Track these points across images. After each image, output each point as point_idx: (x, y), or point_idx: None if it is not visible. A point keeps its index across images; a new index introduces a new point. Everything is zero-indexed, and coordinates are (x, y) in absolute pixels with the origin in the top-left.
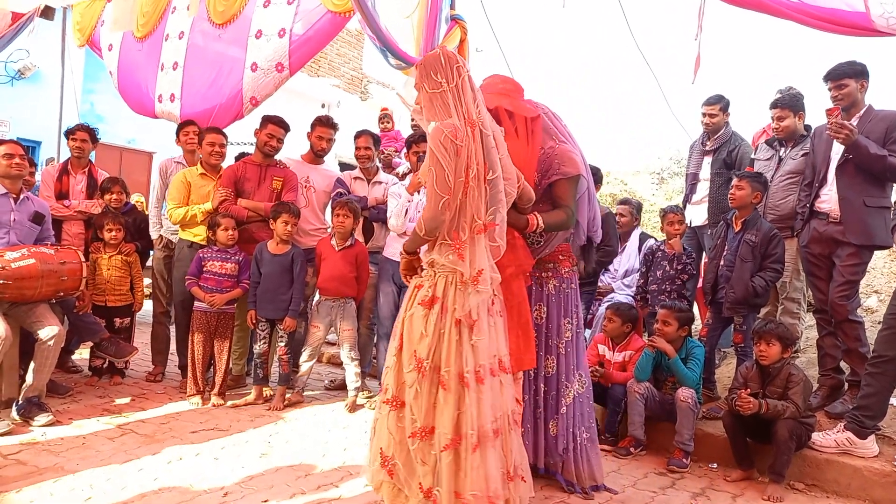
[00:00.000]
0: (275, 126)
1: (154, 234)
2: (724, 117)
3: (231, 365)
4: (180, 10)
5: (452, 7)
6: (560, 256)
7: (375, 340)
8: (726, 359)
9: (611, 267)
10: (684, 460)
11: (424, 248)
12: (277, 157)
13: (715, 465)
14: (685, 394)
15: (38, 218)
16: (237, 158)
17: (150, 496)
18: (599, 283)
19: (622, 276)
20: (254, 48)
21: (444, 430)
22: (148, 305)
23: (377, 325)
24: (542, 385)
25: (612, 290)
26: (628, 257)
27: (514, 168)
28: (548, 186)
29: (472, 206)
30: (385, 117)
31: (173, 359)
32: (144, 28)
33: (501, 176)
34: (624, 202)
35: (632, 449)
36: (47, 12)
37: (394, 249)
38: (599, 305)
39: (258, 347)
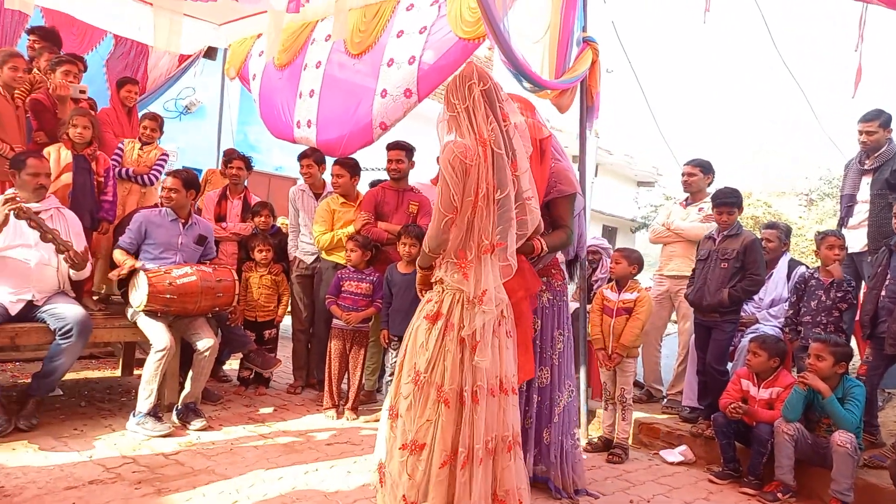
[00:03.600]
0: (393, 150)
1: (291, 256)
2: (885, 134)
3: (364, 381)
4: (319, 42)
5: (584, 29)
6: (553, 270)
7: None
8: (891, 401)
9: (755, 296)
10: None
11: None
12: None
13: None
14: (843, 438)
15: (201, 240)
16: (371, 185)
17: None
18: (742, 314)
19: (768, 306)
20: (385, 75)
21: (444, 447)
22: (288, 321)
23: None
24: (535, 395)
25: (757, 321)
26: (775, 285)
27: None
28: (545, 205)
29: (480, 225)
30: None
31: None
32: (285, 56)
33: (511, 195)
34: (771, 226)
35: (779, 494)
36: (210, 52)
37: None
38: (742, 337)
39: (390, 365)
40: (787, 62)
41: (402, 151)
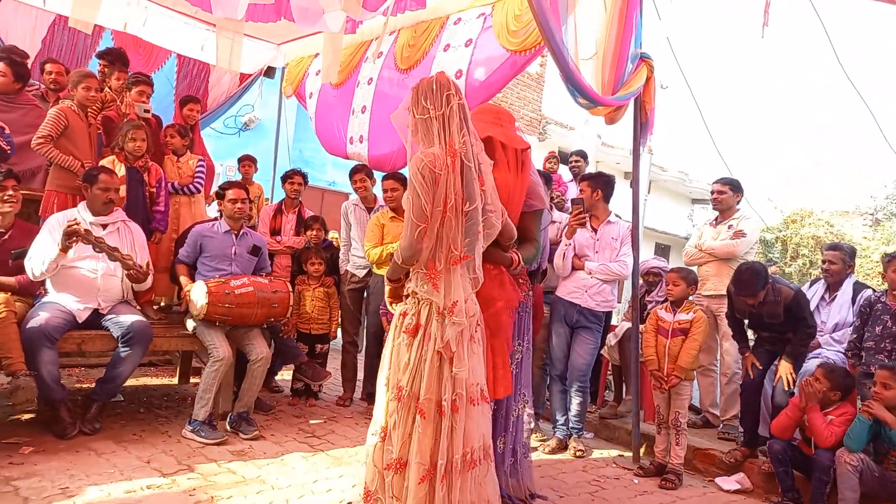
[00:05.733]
0: None
1: (342, 269)
2: None
3: None
4: (371, 59)
5: (640, 45)
6: (519, 281)
7: (548, 382)
8: None
9: (817, 319)
10: None
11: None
12: None
13: None
14: None
15: (255, 250)
16: None
17: None
18: None
19: (831, 330)
20: None
21: (422, 461)
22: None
23: (549, 366)
24: (492, 404)
25: (819, 346)
26: (839, 309)
27: (500, 203)
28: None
29: (448, 236)
30: (552, 159)
31: (360, 385)
32: (340, 76)
33: (479, 208)
34: (834, 247)
35: None
36: (269, 71)
37: (566, 289)
38: (804, 362)
39: None
40: (851, 75)
41: None
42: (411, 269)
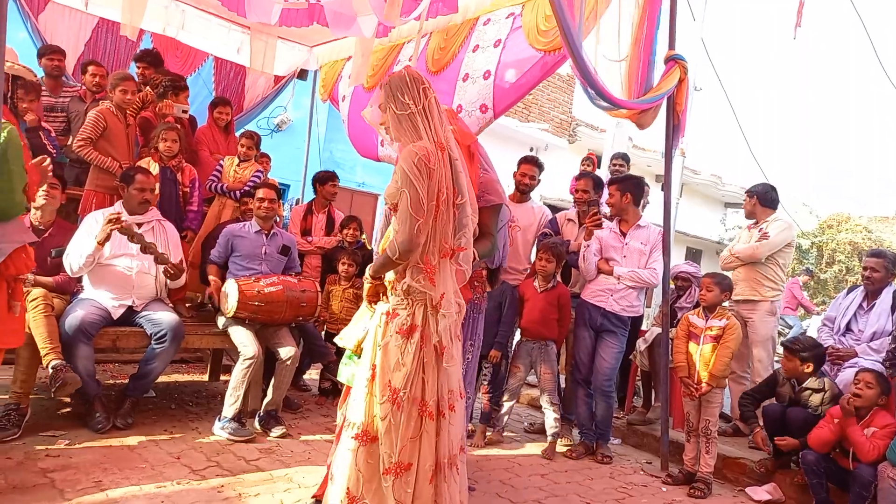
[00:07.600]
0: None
1: None
2: None
3: None
4: (403, 62)
5: (672, 47)
6: (475, 283)
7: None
8: None
9: (854, 327)
10: None
11: (389, 273)
12: None
13: None
14: None
15: (284, 250)
16: None
17: None
18: (839, 346)
19: (868, 339)
20: (460, 91)
21: (432, 463)
22: None
23: (574, 370)
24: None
25: (856, 354)
26: (877, 317)
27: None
28: None
29: (440, 229)
30: (588, 161)
31: None
32: (372, 80)
33: (468, 201)
34: (877, 254)
35: None
36: (302, 73)
37: (590, 292)
38: (840, 371)
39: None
40: (888, 73)
41: None
42: (402, 266)
